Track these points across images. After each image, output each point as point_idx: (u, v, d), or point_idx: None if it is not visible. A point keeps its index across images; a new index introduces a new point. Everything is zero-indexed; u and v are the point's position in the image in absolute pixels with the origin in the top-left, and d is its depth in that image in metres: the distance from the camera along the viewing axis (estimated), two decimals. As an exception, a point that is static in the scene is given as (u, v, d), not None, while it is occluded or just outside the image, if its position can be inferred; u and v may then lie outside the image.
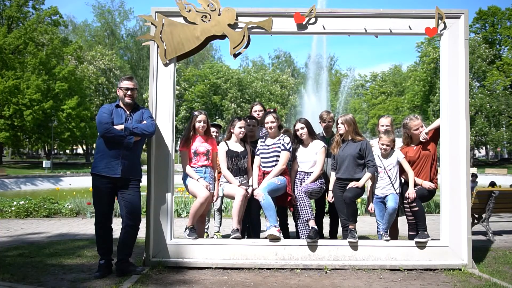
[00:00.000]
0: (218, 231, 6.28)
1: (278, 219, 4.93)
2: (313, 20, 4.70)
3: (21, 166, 36.61)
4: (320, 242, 4.66)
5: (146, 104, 18.05)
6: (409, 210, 4.83)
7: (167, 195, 4.64)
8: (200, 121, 4.85)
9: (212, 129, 5.47)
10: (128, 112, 4.41)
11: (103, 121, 4.20)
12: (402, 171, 4.89)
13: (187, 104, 40.57)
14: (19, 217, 8.57)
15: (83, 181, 21.46)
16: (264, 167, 4.95)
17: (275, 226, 4.63)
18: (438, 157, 4.97)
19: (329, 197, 5.00)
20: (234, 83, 42.38)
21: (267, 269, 4.47)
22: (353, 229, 4.66)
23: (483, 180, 16.62)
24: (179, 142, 5.06)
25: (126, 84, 4.41)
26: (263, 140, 5.07)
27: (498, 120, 36.94)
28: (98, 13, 51.36)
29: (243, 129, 4.98)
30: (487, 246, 5.90)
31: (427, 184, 4.79)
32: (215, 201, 5.21)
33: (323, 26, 4.72)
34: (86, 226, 7.54)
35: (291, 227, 5.37)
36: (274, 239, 4.61)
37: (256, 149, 5.07)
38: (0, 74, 31.16)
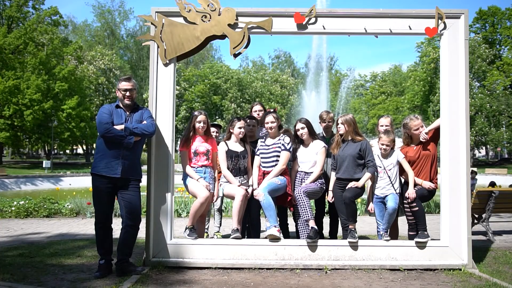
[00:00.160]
0: (218, 231, 6.28)
1: (278, 219, 4.93)
2: (313, 20, 4.70)
3: (21, 166, 36.61)
4: (320, 242, 4.66)
5: (146, 104, 18.05)
6: (409, 210, 4.83)
7: (167, 195, 4.64)
8: (200, 122, 4.85)
9: (212, 129, 5.47)
10: (128, 112, 4.41)
11: (103, 121, 4.20)
12: (402, 171, 4.89)
13: (187, 104, 40.57)
14: (19, 217, 8.57)
15: (83, 181, 21.46)
16: (264, 167, 4.95)
17: (275, 226, 4.63)
18: (438, 157, 4.97)
19: (329, 197, 5.01)
20: (234, 83, 42.38)
21: (267, 269, 4.47)
22: (353, 229, 4.66)
23: (483, 180, 16.63)
24: (179, 142, 5.06)
25: (124, 85, 4.40)
26: (263, 140, 5.07)
27: (498, 120, 36.94)
28: (98, 13, 51.38)
29: (242, 129, 4.98)
30: (487, 246, 5.90)
31: (427, 184, 4.79)
32: (215, 201, 5.21)
33: (323, 26, 4.72)
34: (86, 226, 7.54)
35: (291, 227, 5.38)
36: (274, 239, 4.61)
37: (256, 149, 5.08)
38: (0, 74, 31.16)
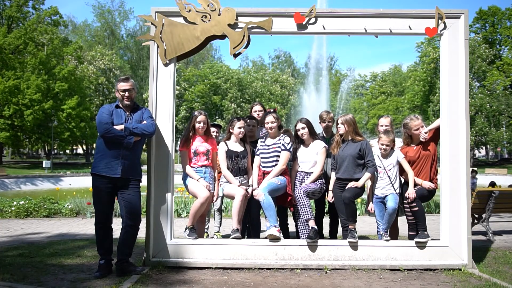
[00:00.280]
0: (218, 231, 6.28)
1: (278, 219, 4.93)
2: (313, 20, 4.70)
3: (21, 166, 36.61)
4: (320, 242, 4.66)
5: (146, 104, 18.05)
6: (409, 210, 4.83)
7: (167, 195, 4.64)
8: (200, 122, 4.85)
9: (212, 129, 5.47)
10: (128, 112, 4.41)
11: (103, 121, 4.20)
12: (402, 171, 4.89)
13: (187, 104, 40.56)
14: (19, 217, 8.57)
15: (83, 181, 21.46)
16: (264, 167, 4.95)
17: (275, 226, 4.63)
18: (438, 157, 4.97)
19: (329, 197, 5.01)
20: (234, 83, 42.38)
21: (267, 269, 4.47)
22: (353, 229, 4.66)
23: (483, 180, 16.62)
24: (179, 142, 5.06)
25: (122, 86, 4.39)
26: (263, 140, 5.07)
27: (498, 120, 36.93)
28: (98, 13, 51.39)
29: (242, 129, 4.98)
30: (487, 246, 5.90)
31: (427, 184, 4.79)
32: (215, 201, 5.21)
33: (323, 26, 4.72)
34: (86, 226, 7.54)
35: (291, 227, 5.38)
36: (274, 239, 4.61)
37: (256, 149, 5.08)
38: (0, 74, 31.16)
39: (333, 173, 4.99)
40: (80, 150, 56.74)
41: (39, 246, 5.65)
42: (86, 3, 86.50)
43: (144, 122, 4.39)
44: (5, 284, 3.85)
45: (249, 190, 4.83)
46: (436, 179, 4.89)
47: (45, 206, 8.96)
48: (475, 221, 6.72)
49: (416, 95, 38.98)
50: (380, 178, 4.84)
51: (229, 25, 4.69)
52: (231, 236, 4.68)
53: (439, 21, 4.65)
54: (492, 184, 11.19)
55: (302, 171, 5.00)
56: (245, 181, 4.98)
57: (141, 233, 4.63)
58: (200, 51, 5.19)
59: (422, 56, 38.99)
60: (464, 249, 4.55)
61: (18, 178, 25.55)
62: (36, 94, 31.27)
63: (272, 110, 5.13)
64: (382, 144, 4.82)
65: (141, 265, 4.51)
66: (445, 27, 4.68)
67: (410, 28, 4.69)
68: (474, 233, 5.92)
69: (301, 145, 5.06)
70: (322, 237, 5.18)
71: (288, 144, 4.93)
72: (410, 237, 4.89)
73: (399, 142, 5.15)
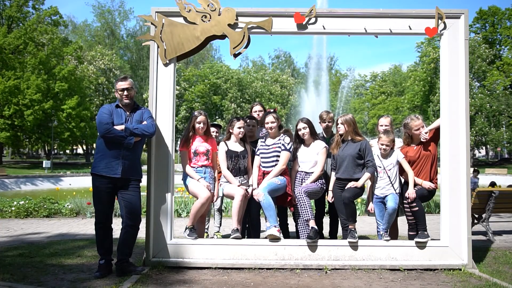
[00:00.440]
0: (218, 231, 6.28)
1: (278, 219, 4.93)
2: (313, 20, 4.70)
3: (21, 166, 36.61)
4: (320, 242, 4.66)
5: (146, 104, 18.06)
6: (409, 210, 4.82)
7: (167, 195, 4.63)
8: (199, 122, 4.85)
9: (212, 129, 5.47)
10: (128, 112, 4.41)
11: (103, 122, 4.20)
12: (402, 171, 4.89)
13: (187, 104, 40.57)
14: (19, 217, 8.57)
15: (83, 181, 21.47)
16: (264, 167, 4.95)
17: (275, 226, 4.63)
18: (438, 157, 4.97)
19: (329, 197, 5.00)
20: (234, 83, 42.39)
21: (267, 269, 4.47)
22: (353, 229, 4.66)
23: (483, 180, 16.61)
24: (179, 142, 5.06)
25: (121, 85, 4.39)
26: (263, 140, 5.07)
27: (498, 120, 36.94)
28: (98, 13, 51.40)
29: (242, 129, 4.98)
30: (487, 246, 5.90)
31: (427, 184, 4.79)
32: (215, 201, 5.21)
33: (323, 26, 4.72)
34: (86, 226, 7.54)
35: (291, 227, 5.38)
36: (274, 239, 4.61)
37: (256, 149, 5.08)
38: (0, 74, 31.16)
39: (333, 173, 4.99)
40: (80, 150, 56.75)
41: (39, 246, 5.65)
42: (86, 3, 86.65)
43: (144, 122, 4.38)
44: (5, 284, 3.85)
45: (249, 190, 4.84)
46: (436, 179, 4.89)
47: (45, 206, 8.96)
48: (475, 221, 6.72)
49: (416, 95, 38.99)
50: (380, 178, 4.84)
51: (229, 25, 4.69)
52: (231, 236, 4.68)
53: (439, 21, 4.64)
54: (492, 184, 11.20)
55: (302, 171, 4.99)
56: (245, 181, 4.98)
57: (141, 233, 4.63)
58: (200, 51, 5.19)
59: (422, 56, 39.00)
60: (464, 249, 4.55)
61: (18, 178, 25.56)
62: (36, 94, 31.28)
63: (272, 110, 5.13)
64: (382, 144, 4.82)
65: (141, 265, 4.51)
66: (445, 27, 4.68)
67: (410, 28, 4.69)
68: (474, 233, 5.92)
69: (302, 145, 5.06)
70: (322, 237, 5.17)
71: (288, 144, 4.93)
72: (410, 237, 4.88)
73: (399, 142, 5.15)
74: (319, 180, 4.94)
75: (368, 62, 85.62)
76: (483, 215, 6.64)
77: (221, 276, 4.25)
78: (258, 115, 5.72)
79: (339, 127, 4.95)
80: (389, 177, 4.79)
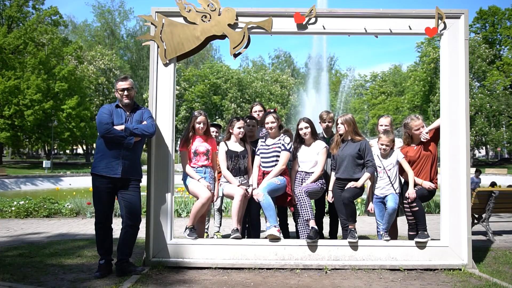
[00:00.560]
0: (218, 231, 6.28)
1: (278, 219, 4.93)
2: (313, 20, 4.70)
3: (21, 166, 36.61)
4: (320, 242, 4.66)
5: (146, 104, 18.05)
6: (409, 210, 4.82)
7: (167, 195, 4.63)
8: (199, 122, 4.85)
9: (212, 129, 5.47)
10: (128, 112, 4.41)
11: (103, 122, 4.20)
12: (402, 171, 4.89)
13: (187, 104, 40.57)
14: (19, 217, 8.57)
15: (83, 181, 21.48)
16: (264, 167, 4.95)
17: (275, 226, 4.63)
18: (438, 157, 4.97)
19: (329, 197, 5.00)
20: (234, 83, 42.38)
21: (267, 269, 4.47)
22: (353, 229, 4.66)
23: (483, 180, 16.62)
24: (179, 142, 5.06)
25: (121, 85, 4.39)
26: (264, 140, 5.07)
27: (498, 120, 36.93)
28: (98, 13, 51.38)
29: (242, 129, 4.99)
30: (487, 246, 5.90)
31: (427, 184, 4.79)
32: (215, 201, 5.21)
33: (323, 26, 4.72)
34: (86, 226, 7.54)
35: (291, 227, 5.38)
36: (274, 239, 4.61)
37: (256, 149, 5.08)
38: (0, 74, 31.16)
39: (332, 173, 4.98)
40: (80, 150, 56.74)
41: (39, 246, 5.65)
42: (86, 3, 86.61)
43: (144, 122, 4.38)
44: (5, 284, 3.85)
45: (249, 190, 4.84)
46: (436, 179, 4.89)
47: (45, 206, 8.96)
48: (475, 221, 6.72)
49: (416, 95, 38.99)
50: (380, 178, 4.84)
51: (229, 25, 4.68)
52: (231, 236, 4.68)
53: (439, 21, 4.64)
54: (493, 184, 11.21)
55: (302, 171, 4.99)
56: (245, 181, 4.98)
57: (141, 233, 4.63)
58: (200, 51, 5.19)
59: (422, 56, 39.00)
60: (464, 249, 4.55)
61: (18, 178, 25.56)
62: (36, 94, 31.27)
63: (272, 110, 5.13)
64: (382, 144, 4.82)
65: (141, 265, 4.51)
66: (445, 27, 4.68)
67: (410, 28, 4.69)
68: (474, 233, 5.92)
69: (302, 145, 5.06)
70: (322, 237, 5.18)
71: (288, 144, 4.93)
72: (410, 237, 4.88)
73: (399, 142, 5.15)
74: (319, 180, 4.93)
75: (368, 62, 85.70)
76: (483, 215, 6.64)
77: (221, 276, 4.25)
78: (258, 115, 5.72)
79: (339, 127, 4.95)
80: (389, 177, 4.79)
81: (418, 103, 38.76)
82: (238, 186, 4.81)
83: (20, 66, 32.75)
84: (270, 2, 68.21)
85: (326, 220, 5.52)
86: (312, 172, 4.93)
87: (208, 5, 4.69)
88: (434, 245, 4.63)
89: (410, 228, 4.93)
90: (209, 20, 4.69)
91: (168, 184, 4.64)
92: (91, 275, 4.22)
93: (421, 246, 4.60)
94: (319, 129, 5.60)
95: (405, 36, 5.43)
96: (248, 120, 5.43)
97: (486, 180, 16.35)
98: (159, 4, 4.76)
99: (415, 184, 4.78)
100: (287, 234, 5.25)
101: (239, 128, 4.97)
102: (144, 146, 4.66)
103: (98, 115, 4.30)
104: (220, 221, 6.36)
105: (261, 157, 4.99)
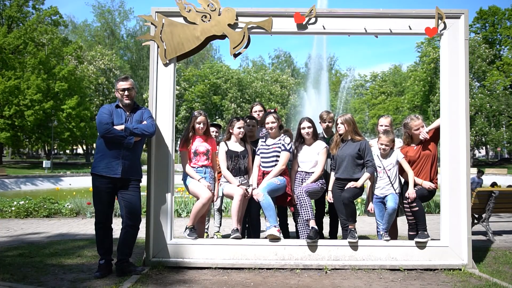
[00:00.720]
0: (218, 231, 6.28)
1: (278, 219, 4.93)
2: (313, 20, 4.70)
3: (21, 166, 36.61)
4: (320, 242, 4.66)
5: (146, 104, 18.05)
6: (409, 210, 4.82)
7: (167, 195, 4.64)
8: (199, 122, 4.85)
9: (212, 129, 5.47)
10: (128, 112, 4.41)
11: (103, 122, 4.20)
12: (402, 171, 4.89)
13: (187, 104, 40.57)
14: (19, 217, 8.57)
15: (83, 181, 21.47)
16: (264, 167, 4.95)
17: (275, 226, 4.63)
18: (438, 157, 4.97)
19: (329, 197, 5.00)
20: (234, 83, 42.38)
21: (267, 269, 4.47)
22: (353, 229, 4.66)
23: (484, 181, 16.62)
24: (179, 142, 5.07)
25: (122, 85, 4.39)
26: (264, 140, 5.08)
27: (498, 120, 36.93)
28: (98, 13, 51.41)
29: (242, 129, 4.99)
30: (487, 246, 5.90)
31: (427, 184, 4.79)
32: (215, 201, 5.21)
33: (323, 26, 4.72)
34: (86, 226, 7.54)
35: (291, 227, 5.38)
36: (274, 239, 4.61)
37: (256, 149, 5.08)
38: (0, 74, 31.16)
39: (332, 173, 4.99)
40: (80, 150, 56.76)
41: (39, 246, 5.65)
42: (86, 3, 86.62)
43: (144, 122, 4.38)
44: (5, 284, 3.85)
45: (249, 190, 4.84)
46: (436, 179, 4.89)
47: (45, 206, 8.96)
48: (475, 221, 6.72)
49: (416, 95, 38.98)
50: (380, 178, 4.84)
51: (229, 25, 4.69)
52: (231, 236, 4.68)
53: (439, 21, 4.64)
54: (493, 185, 11.20)
55: (302, 171, 4.99)
56: (245, 181, 4.98)
57: (141, 233, 4.63)
58: (200, 51, 5.19)
59: (422, 56, 38.99)
60: (464, 249, 4.55)
61: (18, 178, 25.55)
62: (36, 94, 31.27)
63: (272, 110, 5.13)
64: (382, 144, 4.82)
65: (141, 265, 4.51)
66: (445, 27, 4.68)
67: (410, 28, 4.69)
68: (474, 233, 5.92)
69: (303, 145, 5.05)
70: (322, 237, 5.18)
71: (288, 144, 4.93)
72: (410, 237, 4.89)
73: (399, 142, 5.15)
74: (320, 180, 4.94)
75: (368, 62, 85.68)
76: (483, 215, 6.64)
77: (221, 276, 4.25)
78: (258, 115, 5.72)
79: (339, 127, 4.95)
80: (389, 177, 4.79)
81: (418, 103, 38.75)
82: (238, 186, 4.81)
83: (20, 66, 32.75)
84: (270, 2, 68.35)
85: (326, 220, 5.52)
86: (312, 172, 4.93)
87: (208, 5, 4.69)
88: (434, 245, 4.63)
89: (410, 228, 4.93)
90: (209, 20, 4.69)
91: (168, 184, 4.64)
92: (91, 275, 4.22)
93: (421, 246, 4.60)
94: (319, 129, 5.60)
95: (405, 36, 5.43)
96: (248, 120, 5.43)
97: (486, 180, 16.30)
98: (159, 4, 4.76)
99: (415, 184, 4.78)
100: (287, 234, 5.25)
101: (239, 128, 4.97)
102: (144, 146, 4.66)
103: (98, 115, 4.30)
104: (220, 221, 6.36)
105: (261, 157, 4.99)
